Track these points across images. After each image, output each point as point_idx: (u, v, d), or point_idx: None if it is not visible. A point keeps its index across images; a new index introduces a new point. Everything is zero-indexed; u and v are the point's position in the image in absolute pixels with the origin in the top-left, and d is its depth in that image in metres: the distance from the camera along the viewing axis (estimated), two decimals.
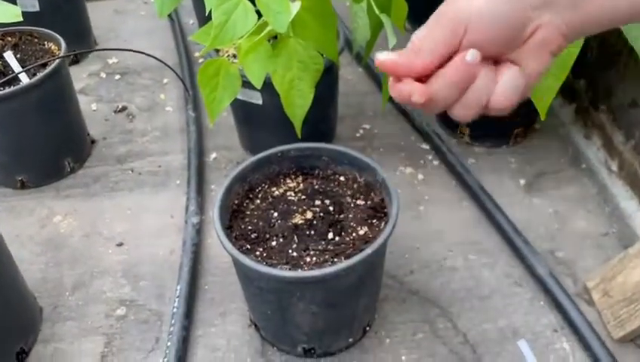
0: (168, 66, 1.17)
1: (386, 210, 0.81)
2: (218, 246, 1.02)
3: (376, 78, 1.37)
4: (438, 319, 0.90)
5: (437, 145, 1.17)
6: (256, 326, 0.89)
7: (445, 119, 1.22)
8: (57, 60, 1.06)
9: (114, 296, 0.95)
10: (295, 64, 0.94)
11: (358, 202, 0.83)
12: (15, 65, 1.04)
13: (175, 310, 0.89)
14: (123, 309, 0.93)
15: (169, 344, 0.85)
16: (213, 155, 1.22)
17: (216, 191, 1.13)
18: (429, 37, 0.33)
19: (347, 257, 0.74)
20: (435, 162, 1.17)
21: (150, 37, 1.54)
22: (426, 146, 1.20)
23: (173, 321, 0.88)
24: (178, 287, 0.92)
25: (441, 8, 0.33)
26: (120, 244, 1.04)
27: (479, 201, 1.06)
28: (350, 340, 0.85)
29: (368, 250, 0.71)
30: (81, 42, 1.52)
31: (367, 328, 0.88)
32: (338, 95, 1.16)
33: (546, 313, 0.90)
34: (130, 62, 1.51)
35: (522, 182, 1.12)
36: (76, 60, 1.51)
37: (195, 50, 1.55)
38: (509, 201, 1.07)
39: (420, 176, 1.14)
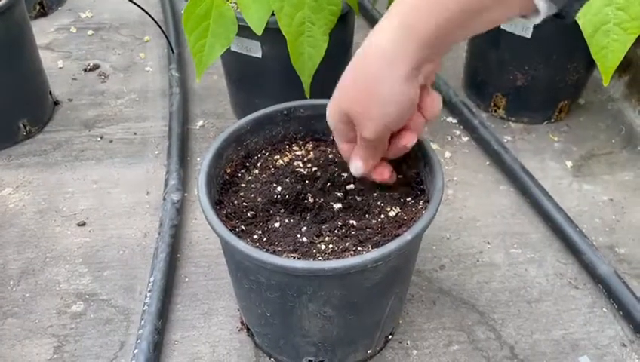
0: (150, 16, 0.98)
1: (422, 186, 0.62)
2: (203, 229, 0.83)
3: None
4: (478, 327, 0.72)
5: (467, 118, 0.99)
6: (249, 330, 0.70)
7: (476, 88, 1.04)
8: None
9: (70, 288, 0.76)
10: (306, 2, 0.76)
11: None
12: None
13: (146, 307, 0.70)
14: (80, 305, 0.74)
15: (136, 351, 0.66)
16: (200, 123, 1.03)
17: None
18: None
19: (376, 244, 0.56)
20: (465, 138, 0.99)
21: None
22: (452, 120, 1.02)
23: (143, 322, 0.69)
24: (151, 279, 0.73)
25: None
26: (82, 224, 0.84)
27: (521, 185, 0.88)
28: (369, 352, 0.67)
29: (407, 236, 0.53)
30: None
31: (390, 336, 0.70)
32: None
33: (610, 322, 0.72)
34: (106, 17, 1.31)
35: (569, 164, 0.94)
36: (44, 12, 1.30)
37: (181, 6, 1.35)
38: (554, 186, 0.89)
39: (447, 154, 0.95)
